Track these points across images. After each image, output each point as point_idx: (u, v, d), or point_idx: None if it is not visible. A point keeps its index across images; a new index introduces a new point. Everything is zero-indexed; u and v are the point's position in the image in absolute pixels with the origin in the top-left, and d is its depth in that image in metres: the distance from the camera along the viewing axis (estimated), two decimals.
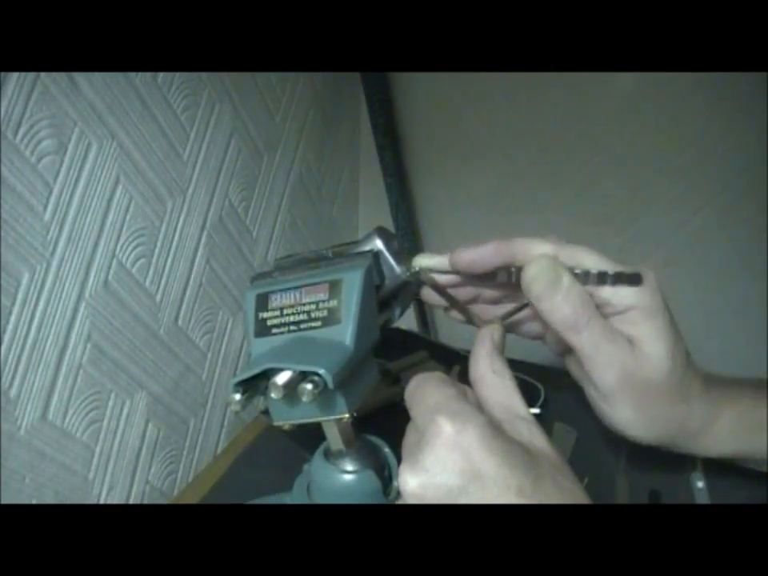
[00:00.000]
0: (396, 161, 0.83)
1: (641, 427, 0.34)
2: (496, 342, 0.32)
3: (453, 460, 0.26)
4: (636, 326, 0.33)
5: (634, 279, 0.32)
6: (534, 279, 0.32)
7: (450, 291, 0.36)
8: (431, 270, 0.35)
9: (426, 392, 0.30)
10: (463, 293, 0.37)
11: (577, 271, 0.32)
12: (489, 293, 0.37)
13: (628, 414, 0.34)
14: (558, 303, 0.31)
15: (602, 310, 0.33)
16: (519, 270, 0.33)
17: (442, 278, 0.36)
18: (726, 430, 0.35)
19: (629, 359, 0.32)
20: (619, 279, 0.32)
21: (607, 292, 0.32)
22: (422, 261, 0.35)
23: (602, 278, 0.32)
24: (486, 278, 0.34)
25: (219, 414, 0.70)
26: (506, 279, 0.34)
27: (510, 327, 0.37)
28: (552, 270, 0.32)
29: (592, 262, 0.32)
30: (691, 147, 0.68)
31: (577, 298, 0.32)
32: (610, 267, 0.32)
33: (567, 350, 0.36)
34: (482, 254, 0.34)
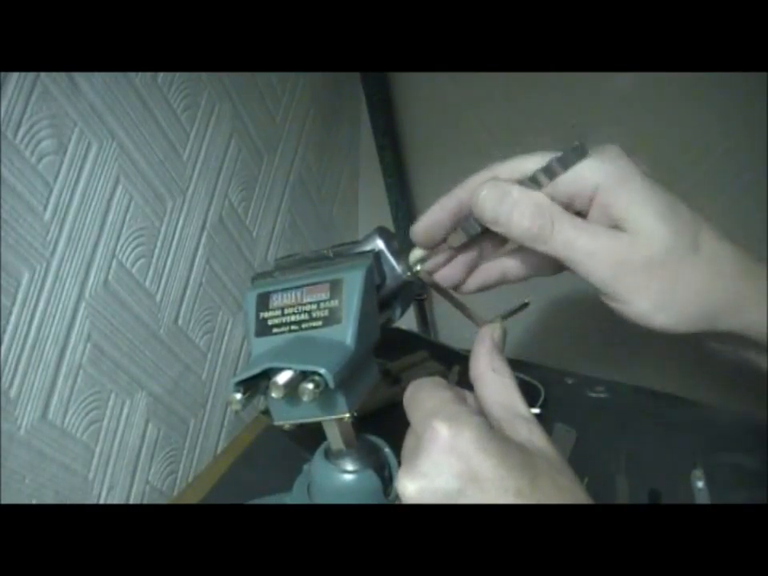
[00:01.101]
0: (396, 161, 0.83)
1: (666, 313, 0.30)
2: (496, 341, 0.32)
3: (450, 464, 0.26)
4: (614, 204, 0.29)
5: (578, 151, 0.29)
6: (482, 203, 0.30)
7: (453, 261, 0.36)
8: (425, 258, 0.35)
9: (422, 397, 0.30)
10: (466, 259, 0.35)
11: (525, 180, 0.30)
12: (486, 245, 0.36)
13: (644, 304, 0.30)
14: (515, 218, 0.30)
15: (575, 207, 0.31)
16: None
17: (440, 258, 0.35)
18: None
19: (612, 246, 0.29)
20: (566, 160, 0.29)
21: (567, 182, 0.30)
22: (415, 255, 0.35)
23: (551, 170, 0.30)
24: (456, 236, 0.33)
25: (219, 413, 0.70)
26: (474, 230, 0.33)
27: (501, 279, 0.36)
28: (496, 188, 0.30)
29: (535, 163, 0.30)
30: (691, 147, 0.68)
31: (531, 205, 0.30)
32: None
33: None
34: (433, 217, 0.33)
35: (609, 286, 0.30)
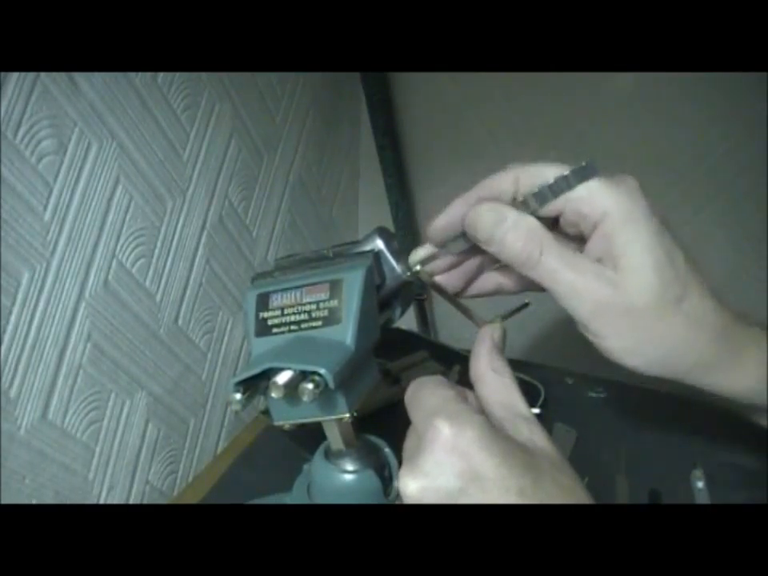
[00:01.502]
0: (396, 161, 0.83)
1: (638, 356, 0.30)
2: (496, 341, 0.32)
3: (452, 463, 0.26)
4: (615, 238, 0.29)
5: (585, 172, 0.29)
6: (475, 224, 0.31)
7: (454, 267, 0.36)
8: (426, 261, 0.35)
9: (423, 395, 0.30)
10: (468, 267, 0.36)
11: (535, 190, 0.30)
12: (489, 256, 0.35)
13: (614, 344, 0.30)
14: (507, 241, 0.30)
15: (579, 228, 0.31)
16: None
17: (441, 263, 0.35)
18: (750, 369, 0.31)
19: (596, 285, 0.29)
20: (574, 177, 0.29)
21: (577, 201, 0.30)
22: (416, 256, 0.35)
23: (559, 186, 0.30)
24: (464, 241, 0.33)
25: (219, 413, 0.70)
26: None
27: (496, 291, 0.36)
28: (493, 211, 0.30)
29: (553, 172, 0.30)
30: (691, 147, 0.68)
31: (525, 231, 0.30)
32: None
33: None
34: (452, 214, 0.33)
35: (586, 321, 0.30)
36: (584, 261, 0.30)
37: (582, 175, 0.29)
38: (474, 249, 0.34)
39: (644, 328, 0.30)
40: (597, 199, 0.29)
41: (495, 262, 0.36)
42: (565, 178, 0.30)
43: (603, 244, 0.30)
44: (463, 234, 0.33)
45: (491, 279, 0.36)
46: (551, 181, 0.30)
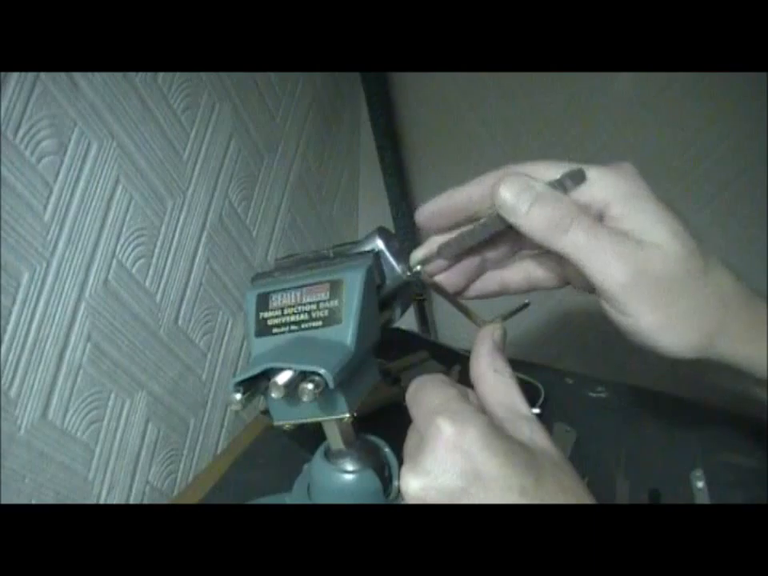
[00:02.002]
0: (396, 161, 0.83)
1: (671, 332, 0.29)
2: (497, 341, 0.32)
3: (454, 461, 0.26)
4: (626, 218, 0.29)
5: (575, 176, 0.29)
6: (503, 192, 0.30)
7: (455, 266, 0.36)
8: (426, 261, 0.35)
9: (426, 394, 0.30)
10: (469, 266, 0.36)
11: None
12: (491, 255, 0.36)
13: (651, 319, 0.29)
14: (534, 210, 0.29)
15: None
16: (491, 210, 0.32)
17: (441, 263, 0.35)
18: None
19: (633, 251, 0.28)
20: (568, 180, 0.30)
21: (577, 192, 0.30)
22: (416, 256, 0.35)
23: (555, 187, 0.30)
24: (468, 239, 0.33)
25: (219, 414, 0.70)
26: (483, 234, 0.32)
27: (500, 291, 0.36)
28: (520, 180, 0.30)
29: (550, 171, 0.30)
30: (691, 147, 0.68)
31: (553, 200, 0.29)
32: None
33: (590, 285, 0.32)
34: (440, 204, 0.33)
35: (619, 295, 0.29)
36: (614, 233, 0.29)
37: (573, 178, 0.30)
38: (469, 251, 0.34)
39: (675, 301, 0.29)
40: (598, 187, 0.29)
41: (494, 263, 0.36)
42: (559, 181, 0.30)
43: (619, 225, 0.29)
44: (458, 241, 0.33)
45: (493, 279, 0.36)
46: (553, 176, 0.30)
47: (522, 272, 0.36)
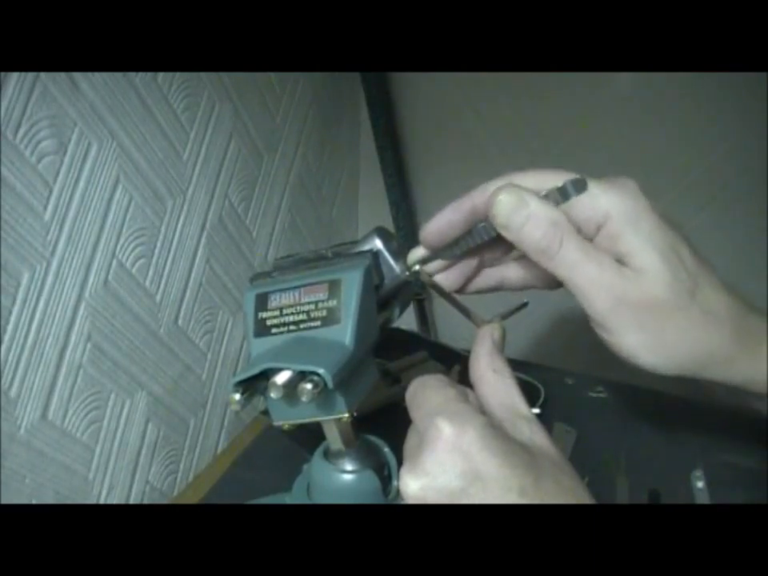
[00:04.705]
0: (396, 161, 0.83)
1: (654, 354, 0.30)
2: (496, 341, 0.32)
3: (453, 462, 0.26)
4: (620, 237, 0.29)
5: (577, 185, 0.29)
6: (498, 207, 0.30)
7: (454, 266, 0.36)
8: (425, 261, 0.35)
9: (425, 394, 0.30)
10: (467, 265, 0.35)
11: (542, 194, 0.30)
12: (489, 254, 0.36)
13: (632, 341, 0.30)
14: (527, 229, 0.29)
15: (585, 232, 0.30)
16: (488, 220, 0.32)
17: (440, 263, 0.35)
18: None
19: (616, 279, 0.29)
20: (570, 187, 0.30)
21: (580, 206, 0.30)
22: (414, 256, 0.35)
23: (554, 197, 0.30)
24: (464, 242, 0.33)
25: (219, 414, 0.70)
26: (483, 236, 0.32)
27: (498, 286, 0.36)
28: (515, 195, 0.30)
29: (553, 179, 0.30)
30: (691, 147, 0.68)
31: (545, 219, 0.29)
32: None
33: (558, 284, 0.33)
34: (446, 218, 0.33)
35: (603, 317, 0.30)
36: (603, 255, 0.30)
37: (575, 187, 0.30)
38: (469, 252, 0.34)
39: (661, 323, 0.29)
40: (599, 201, 0.30)
41: (496, 260, 0.36)
42: (560, 189, 0.30)
43: (608, 244, 0.30)
44: (456, 242, 0.33)
45: (493, 275, 0.36)
46: (544, 192, 0.30)
47: (520, 271, 0.36)
